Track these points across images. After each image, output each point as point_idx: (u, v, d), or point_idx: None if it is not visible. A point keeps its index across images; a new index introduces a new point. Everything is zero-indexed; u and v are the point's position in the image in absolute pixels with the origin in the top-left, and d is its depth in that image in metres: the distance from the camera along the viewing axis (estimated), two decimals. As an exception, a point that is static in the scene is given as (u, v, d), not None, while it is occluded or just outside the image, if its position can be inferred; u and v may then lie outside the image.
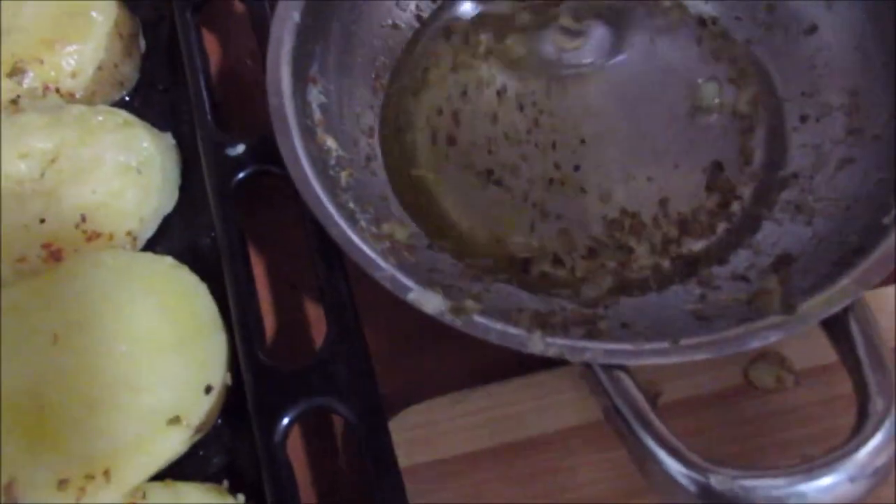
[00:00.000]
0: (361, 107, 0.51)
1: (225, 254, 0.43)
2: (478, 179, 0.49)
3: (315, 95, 0.47)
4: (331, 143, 0.47)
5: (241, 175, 0.45)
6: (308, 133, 0.44)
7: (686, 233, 0.47)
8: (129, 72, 0.55)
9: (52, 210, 0.45)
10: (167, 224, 0.49)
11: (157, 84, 0.55)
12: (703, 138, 0.50)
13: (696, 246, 0.47)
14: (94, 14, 0.52)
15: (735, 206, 0.48)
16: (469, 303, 0.38)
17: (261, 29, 0.50)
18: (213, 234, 0.47)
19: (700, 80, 0.51)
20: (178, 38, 0.52)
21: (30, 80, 0.50)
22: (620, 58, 0.53)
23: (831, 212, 0.45)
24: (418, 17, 0.54)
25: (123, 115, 0.51)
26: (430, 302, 0.37)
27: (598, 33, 0.53)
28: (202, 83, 0.49)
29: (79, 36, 0.51)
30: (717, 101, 0.51)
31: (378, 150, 0.50)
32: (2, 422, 0.40)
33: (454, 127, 0.51)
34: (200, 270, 0.45)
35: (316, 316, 0.47)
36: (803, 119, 0.50)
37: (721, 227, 0.47)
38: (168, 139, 0.51)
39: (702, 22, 0.53)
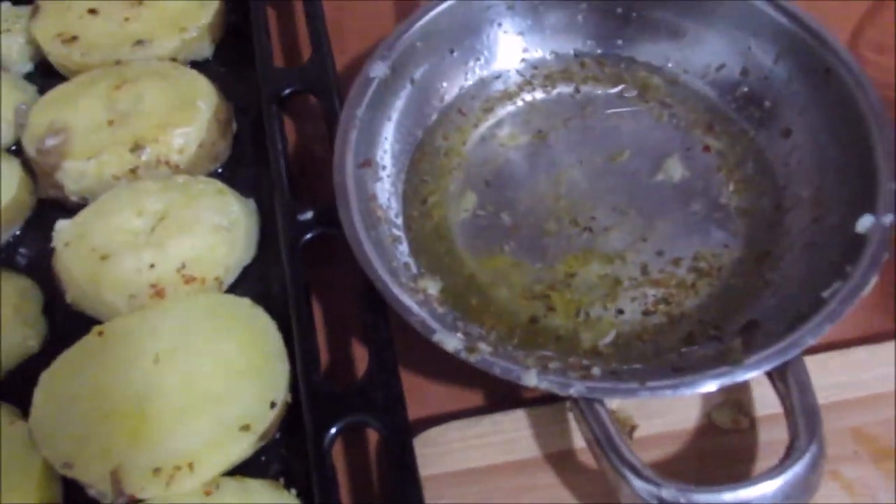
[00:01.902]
0: (404, 182, 0.63)
1: (292, 299, 0.54)
2: (498, 245, 0.59)
3: (370, 174, 0.58)
4: (380, 212, 0.58)
5: (308, 236, 0.56)
6: (363, 204, 0.55)
7: (673, 294, 0.56)
8: (223, 149, 0.67)
9: (160, 258, 0.57)
10: (246, 272, 0.61)
11: (244, 159, 0.68)
12: (691, 221, 0.60)
13: (683, 307, 0.56)
14: (199, 103, 0.65)
15: (718, 276, 0.57)
16: (481, 345, 0.48)
17: (330, 119, 0.62)
18: (283, 282, 0.58)
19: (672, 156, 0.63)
20: (264, 125, 0.64)
21: (147, 155, 0.63)
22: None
23: (791, 287, 0.53)
24: (460, 111, 0.66)
25: (218, 184, 0.63)
26: (450, 342, 0.47)
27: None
28: (282, 162, 0.61)
29: (187, 121, 0.64)
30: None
31: (415, 219, 0.61)
32: (112, 421, 0.51)
33: (483, 197, 0.62)
34: (271, 310, 0.56)
35: (360, 351, 0.57)
36: (777, 208, 0.59)
37: (705, 291, 0.56)
38: (251, 204, 0.63)
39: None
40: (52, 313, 0.60)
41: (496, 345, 0.53)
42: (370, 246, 0.52)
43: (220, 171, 0.67)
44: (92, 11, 0.71)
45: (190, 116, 0.64)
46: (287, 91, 0.65)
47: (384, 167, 0.60)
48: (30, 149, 0.64)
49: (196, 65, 0.72)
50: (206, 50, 0.73)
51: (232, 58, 0.74)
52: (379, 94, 0.60)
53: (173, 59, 0.71)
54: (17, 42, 0.74)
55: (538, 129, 0.65)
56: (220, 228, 0.59)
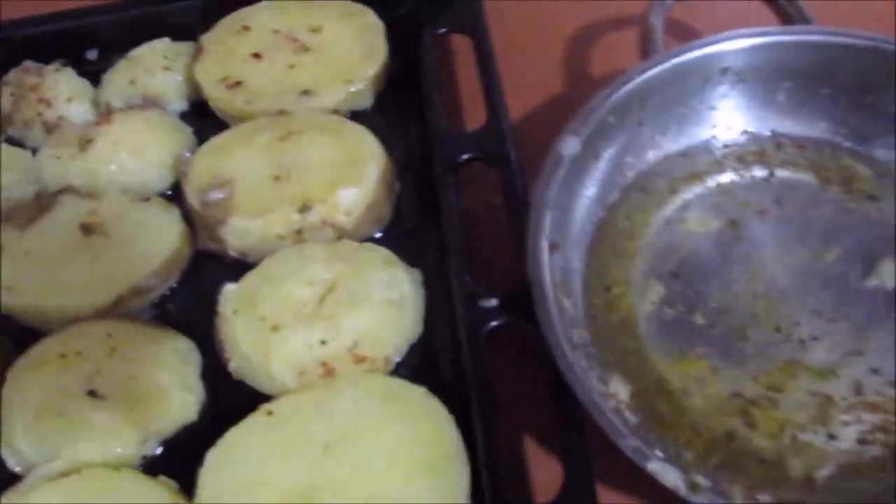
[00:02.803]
0: (585, 266, 0.58)
1: (475, 393, 0.50)
2: (690, 346, 0.54)
3: (557, 259, 0.54)
4: (566, 303, 0.53)
5: (492, 324, 0.53)
6: (554, 294, 0.51)
7: (893, 423, 0.50)
8: (387, 211, 0.64)
9: (331, 335, 0.54)
10: (411, 351, 0.57)
11: (406, 223, 0.65)
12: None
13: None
14: (369, 162, 0.62)
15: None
16: (699, 479, 0.43)
17: (509, 191, 0.58)
18: (455, 368, 0.54)
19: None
20: (435, 191, 0.61)
21: (313, 216, 0.60)
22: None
23: None
24: (643, 189, 0.61)
25: (385, 252, 0.59)
26: (668, 475, 0.43)
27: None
28: (459, 238, 0.57)
29: (356, 180, 0.61)
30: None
31: (599, 308, 0.57)
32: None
33: (670, 289, 0.57)
34: (440, 397, 0.52)
35: (541, 457, 0.53)
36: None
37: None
38: (417, 275, 0.60)
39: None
40: (209, 378, 0.58)
41: (695, 464, 0.48)
42: (570, 351, 0.47)
43: (382, 235, 0.64)
44: (256, 56, 0.69)
45: (358, 176, 0.61)
46: (463, 158, 0.61)
47: (570, 250, 0.56)
48: (193, 200, 0.62)
49: (355, 115, 0.69)
50: (367, 101, 0.70)
51: (392, 108, 0.71)
52: (570, 173, 0.55)
53: (335, 111, 0.68)
54: (175, 80, 0.73)
55: (730, 216, 0.60)
56: (391, 304, 0.56)
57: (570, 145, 0.55)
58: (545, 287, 0.50)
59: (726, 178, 0.62)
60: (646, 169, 0.62)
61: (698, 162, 0.62)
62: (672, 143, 0.62)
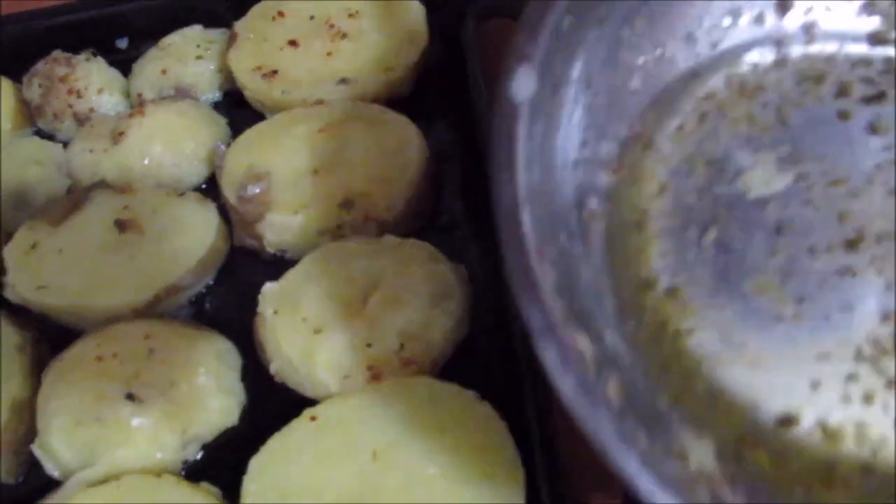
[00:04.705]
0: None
1: (529, 396, 0.48)
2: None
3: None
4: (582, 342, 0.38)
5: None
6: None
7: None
8: (429, 205, 0.61)
9: (377, 336, 0.51)
10: (457, 352, 0.55)
11: (449, 217, 0.62)
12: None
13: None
14: (410, 155, 0.59)
15: None
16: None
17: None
18: (504, 370, 0.52)
19: None
20: (476, 178, 0.57)
21: (355, 211, 0.58)
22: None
23: None
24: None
25: (429, 248, 0.57)
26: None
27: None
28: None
29: (398, 174, 0.59)
30: None
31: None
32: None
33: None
34: (489, 401, 0.50)
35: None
36: None
37: None
38: (462, 271, 0.57)
39: None
40: (248, 380, 0.56)
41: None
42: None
43: (424, 229, 0.61)
44: (292, 43, 0.67)
45: (401, 169, 0.59)
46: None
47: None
48: (230, 195, 0.60)
49: (394, 103, 0.67)
50: (407, 88, 0.67)
51: (432, 95, 0.68)
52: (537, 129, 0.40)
53: (374, 99, 0.65)
54: (208, 69, 0.70)
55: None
56: (437, 303, 0.53)
57: (523, 83, 0.38)
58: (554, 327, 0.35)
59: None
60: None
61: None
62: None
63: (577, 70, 0.44)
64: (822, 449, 0.41)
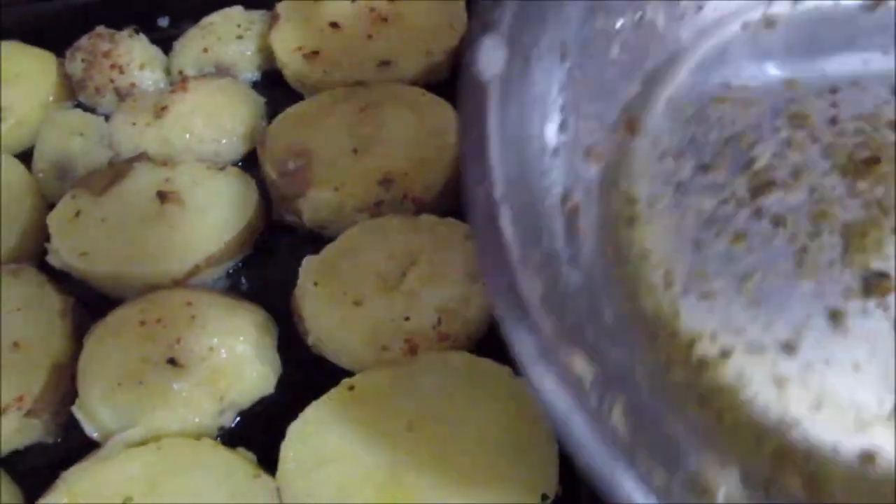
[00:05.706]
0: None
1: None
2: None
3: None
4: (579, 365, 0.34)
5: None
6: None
7: None
8: (466, 186, 0.62)
9: (415, 310, 0.52)
10: (491, 329, 0.56)
11: (485, 198, 0.63)
12: None
13: None
14: (449, 137, 0.60)
15: None
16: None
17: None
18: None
19: None
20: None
21: (394, 189, 0.59)
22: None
23: None
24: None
25: (465, 227, 0.58)
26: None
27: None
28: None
29: (436, 155, 0.60)
30: None
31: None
32: (366, 490, 0.47)
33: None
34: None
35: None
36: None
37: None
38: (497, 252, 0.58)
39: None
40: (283, 350, 0.57)
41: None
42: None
43: (461, 210, 0.62)
44: (334, 25, 0.68)
45: (441, 149, 0.60)
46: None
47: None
48: (271, 170, 0.61)
49: (432, 86, 0.67)
50: (445, 72, 0.68)
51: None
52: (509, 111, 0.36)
53: (413, 82, 0.66)
54: (248, 49, 0.71)
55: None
56: (473, 279, 0.54)
57: (490, 56, 0.33)
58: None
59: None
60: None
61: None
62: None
63: (549, 38, 0.37)
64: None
